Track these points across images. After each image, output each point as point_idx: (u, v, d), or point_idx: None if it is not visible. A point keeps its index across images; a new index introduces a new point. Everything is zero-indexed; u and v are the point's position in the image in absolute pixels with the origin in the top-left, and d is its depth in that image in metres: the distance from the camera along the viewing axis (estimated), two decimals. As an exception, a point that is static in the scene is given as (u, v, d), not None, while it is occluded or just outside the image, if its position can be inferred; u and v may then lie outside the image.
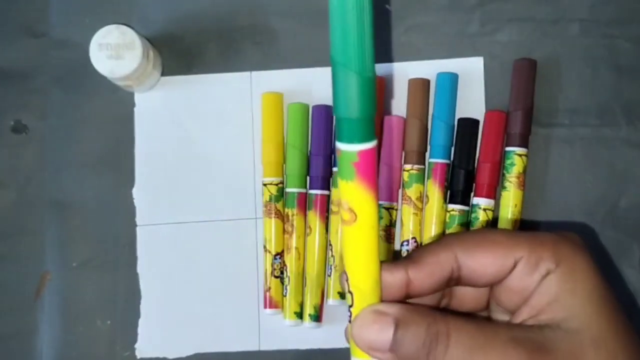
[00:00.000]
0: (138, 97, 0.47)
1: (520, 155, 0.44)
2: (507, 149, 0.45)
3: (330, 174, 0.45)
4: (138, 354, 0.45)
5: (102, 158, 0.47)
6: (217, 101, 0.47)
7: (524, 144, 0.44)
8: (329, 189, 0.45)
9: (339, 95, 0.24)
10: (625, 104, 0.46)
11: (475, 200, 0.45)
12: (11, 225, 0.47)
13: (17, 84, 0.47)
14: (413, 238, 0.44)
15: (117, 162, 0.47)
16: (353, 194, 0.26)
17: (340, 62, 0.24)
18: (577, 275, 0.28)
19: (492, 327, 0.29)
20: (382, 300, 0.28)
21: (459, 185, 0.44)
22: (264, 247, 0.45)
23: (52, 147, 0.47)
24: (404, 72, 0.46)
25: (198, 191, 0.46)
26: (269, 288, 0.45)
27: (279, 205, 0.45)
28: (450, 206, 0.44)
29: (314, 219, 0.45)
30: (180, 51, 0.47)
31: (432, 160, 0.44)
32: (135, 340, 0.46)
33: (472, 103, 0.46)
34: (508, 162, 0.44)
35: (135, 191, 0.47)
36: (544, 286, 0.28)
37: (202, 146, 0.47)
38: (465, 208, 0.44)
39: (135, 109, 0.47)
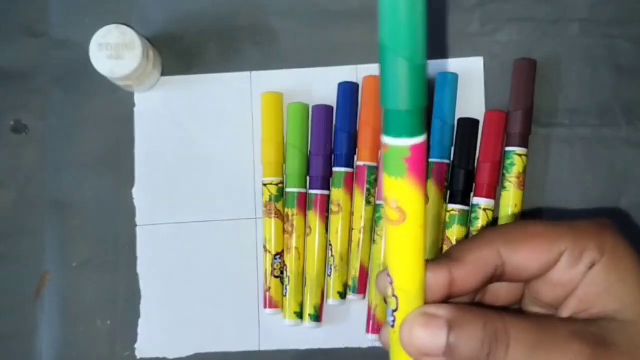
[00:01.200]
0: (138, 97, 0.47)
1: (520, 155, 0.44)
2: (507, 149, 0.45)
3: (330, 174, 0.45)
4: (138, 354, 0.45)
5: (102, 158, 0.47)
6: (217, 101, 0.47)
7: (524, 144, 0.44)
8: (329, 189, 0.45)
9: (388, 85, 0.22)
10: (625, 104, 0.46)
11: (475, 200, 0.45)
12: (11, 225, 0.47)
13: (17, 83, 0.47)
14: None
15: (117, 162, 0.47)
16: (403, 192, 0.24)
17: (390, 48, 0.22)
18: (623, 263, 0.27)
19: (551, 322, 0.27)
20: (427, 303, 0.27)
21: (459, 185, 0.44)
22: (264, 247, 0.45)
23: (52, 147, 0.47)
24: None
25: (198, 191, 0.46)
26: (269, 288, 0.45)
27: (279, 205, 0.45)
28: (451, 206, 0.44)
29: (314, 219, 0.45)
30: (180, 51, 0.47)
31: (431, 160, 0.44)
32: (135, 340, 0.46)
33: (472, 103, 0.46)
34: (508, 162, 0.44)
35: (135, 191, 0.47)
36: (590, 278, 0.27)
37: (202, 146, 0.47)
38: (466, 208, 0.44)
39: (135, 109, 0.47)
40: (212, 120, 0.47)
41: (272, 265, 0.45)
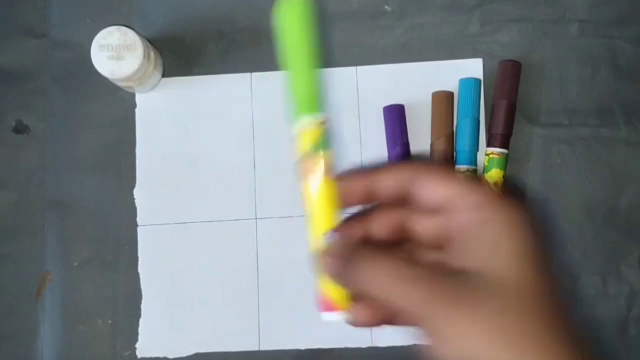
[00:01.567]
0: (139, 98, 0.47)
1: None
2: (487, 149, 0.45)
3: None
4: (139, 354, 0.46)
5: (103, 158, 0.47)
6: (217, 102, 0.47)
7: (504, 145, 0.45)
8: None
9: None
10: (624, 104, 0.46)
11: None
12: (12, 225, 0.47)
13: (19, 84, 0.47)
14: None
15: (118, 162, 0.47)
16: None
17: None
18: (513, 229, 0.28)
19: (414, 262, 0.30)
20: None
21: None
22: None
23: (54, 147, 0.47)
24: (403, 73, 0.46)
25: (199, 191, 0.46)
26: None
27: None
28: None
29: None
30: (181, 52, 0.47)
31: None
32: (135, 340, 0.46)
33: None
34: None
35: (136, 191, 0.47)
36: (480, 231, 0.29)
37: (203, 146, 0.47)
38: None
39: (137, 110, 0.47)
40: (213, 121, 0.47)
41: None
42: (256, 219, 0.46)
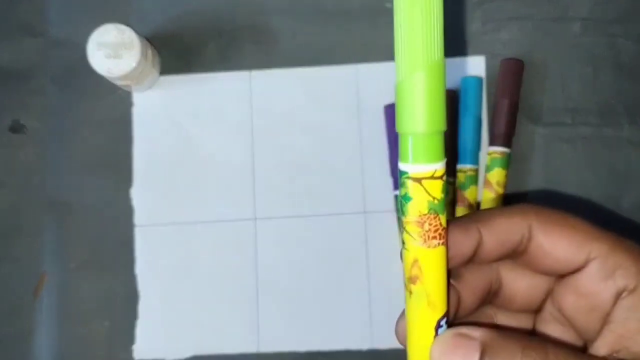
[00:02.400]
0: (137, 97, 0.47)
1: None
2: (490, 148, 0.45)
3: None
4: (136, 356, 0.45)
5: (100, 158, 0.46)
6: (216, 100, 0.47)
7: (507, 143, 0.44)
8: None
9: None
10: (627, 103, 0.45)
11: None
12: (9, 225, 0.46)
13: (16, 83, 0.47)
14: None
15: (115, 162, 0.46)
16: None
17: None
18: None
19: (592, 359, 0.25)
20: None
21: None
22: None
23: (51, 147, 0.47)
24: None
25: (197, 191, 0.46)
26: None
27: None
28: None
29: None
30: (179, 50, 0.47)
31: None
32: (133, 342, 0.45)
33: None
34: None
35: (133, 191, 0.46)
36: (627, 307, 0.24)
37: (201, 146, 0.46)
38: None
39: (134, 109, 0.47)
40: (211, 120, 0.46)
41: None
42: (255, 219, 0.46)
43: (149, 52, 0.44)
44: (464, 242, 0.25)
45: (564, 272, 0.26)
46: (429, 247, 0.24)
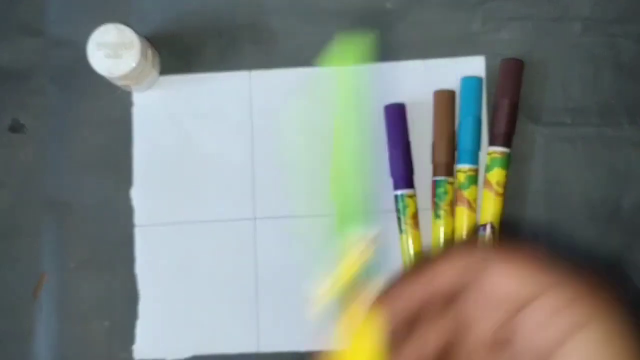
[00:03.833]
0: (136, 97, 0.47)
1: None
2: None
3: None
4: (136, 356, 0.45)
5: (100, 158, 0.47)
6: (216, 100, 0.47)
7: (507, 143, 0.44)
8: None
9: None
10: (627, 103, 0.45)
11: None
12: (8, 225, 0.46)
13: (15, 83, 0.47)
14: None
15: (115, 162, 0.46)
16: None
17: None
18: (609, 342, 0.24)
19: None
20: None
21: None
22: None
23: (50, 147, 0.47)
24: (405, 70, 0.46)
25: (196, 191, 0.46)
26: None
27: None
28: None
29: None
30: (178, 50, 0.47)
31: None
32: (133, 342, 0.45)
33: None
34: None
35: (133, 191, 0.46)
36: (572, 347, 0.25)
37: (201, 146, 0.46)
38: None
39: (134, 109, 0.47)
40: (211, 120, 0.47)
41: None
42: (255, 219, 0.46)
43: (149, 52, 0.44)
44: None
45: (518, 302, 0.26)
46: None
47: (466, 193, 0.44)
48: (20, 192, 0.47)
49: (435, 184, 0.44)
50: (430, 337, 0.28)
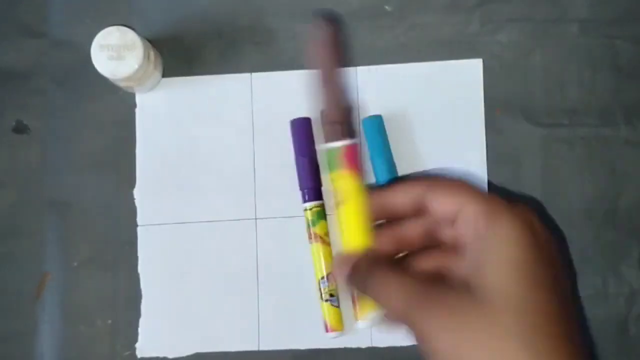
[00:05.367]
0: (139, 98, 0.47)
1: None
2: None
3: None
4: (138, 354, 0.46)
5: (103, 158, 0.47)
6: (217, 102, 0.47)
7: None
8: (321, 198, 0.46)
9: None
10: (624, 104, 0.46)
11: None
12: (12, 225, 0.47)
13: (19, 84, 0.47)
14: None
15: (118, 162, 0.47)
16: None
17: None
18: (510, 242, 0.29)
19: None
20: None
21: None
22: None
23: (54, 148, 0.47)
24: (403, 73, 0.46)
25: (198, 191, 0.46)
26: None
27: (317, 229, 0.45)
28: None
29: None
30: (180, 52, 0.47)
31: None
32: (135, 340, 0.46)
33: (471, 105, 0.46)
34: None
35: (136, 191, 0.47)
36: (479, 242, 0.30)
37: (203, 147, 0.47)
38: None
39: (137, 110, 0.47)
40: (213, 121, 0.47)
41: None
42: (256, 219, 0.46)
43: (151, 53, 0.44)
44: (373, 204, 0.35)
45: (451, 219, 0.33)
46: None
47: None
48: (24, 192, 0.47)
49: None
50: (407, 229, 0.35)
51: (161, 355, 0.46)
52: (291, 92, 0.47)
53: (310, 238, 0.45)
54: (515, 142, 0.46)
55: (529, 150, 0.46)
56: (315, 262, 0.45)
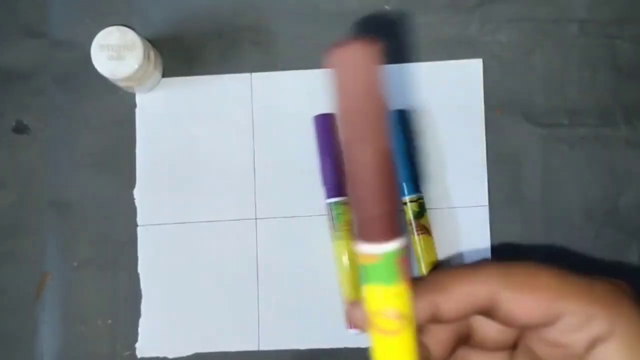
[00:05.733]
0: (139, 98, 0.47)
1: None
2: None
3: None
4: (138, 354, 0.46)
5: (103, 158, 0.47)
6: (217, 102, 0.47)
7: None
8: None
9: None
10: (624, 104, 0.46)
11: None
12: (12, 225, 0.47)
13: (19, 84, 0.47)
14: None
15: (118, 162, 0.47)
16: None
17: None
18: (636, 348, 0.24)
19: None
20: None
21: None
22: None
23: (54, 148, 0.47)
24: (403, 73, 0.46)
25: (199, 191, 0.46)
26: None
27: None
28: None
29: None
30: (180, 52, 0.47)
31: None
32: (135, 340, 0.46)
33: (471, 105, 0.46)
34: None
35: (136, 191, 0.47)
36: (600, 357, 0.24)
37: (203, 147, 0.47)
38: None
39: (137, 110, 0.47)
40: (213, 121, 0.47)
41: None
42: (256, 219, 0.46)
43: (151, 53, 0.44)
44: (416, 311, 0.24)
45: (537, 328, 0.25)
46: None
47: (422, 220, 0.45)
48: (24, 193, 0.47)
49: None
50: (441, 331, 0.27)
51: (161, 355, 0.46)
52: (291, 92, 0.47)
53: (334, 230, 0.45)
54: (515, 142, 0.46)
55: (529, 150, 0.46)
56: (338, 259, 0.45)
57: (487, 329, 0.27)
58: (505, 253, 0.45)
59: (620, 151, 0.46)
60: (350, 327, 0.40)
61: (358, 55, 0.22)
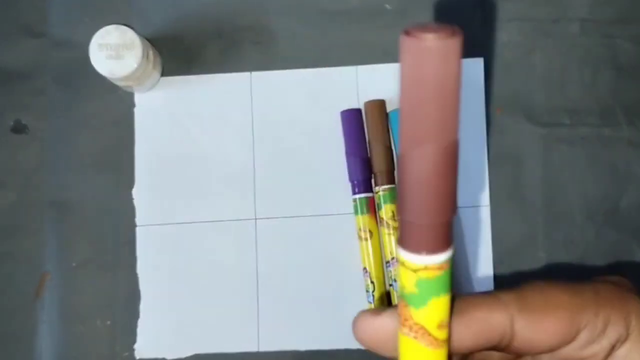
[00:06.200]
0: (138, 97, 0.47)
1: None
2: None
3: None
4: (137, 355, 0.45)
5: (102, 158, 0.47)
6: (217, 101, 0.47)
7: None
8: (372, 191, 0.45)
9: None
10: (625, 103, 0.46)
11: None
12: (11, 225, 0.46)
13: (17, 84, 0.47)
14: (393, 258, 0.44)
15: (117, 162, 0.47)
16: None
17: None
18: None
19: None
20: None
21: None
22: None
23: (52, 147, 0.47)
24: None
25: (198, 191, 0.46)
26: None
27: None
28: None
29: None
30: (180, 51, 0.47)
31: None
32: (134, 341, 0.46)
33: (472, 104, 0.46)
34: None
35: (135, 191, 0.47)
36: (621, 357, 0.24)
37: (202, 146, 0.47)
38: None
39: (136, 109, 0.47)
40: (212, 121, 0.47)
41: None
42: (256, 219, 0.46)
43: (150, 53, 0.44)
44: None
45: (555, 349, 0.25)
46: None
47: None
48: (23, 192, 0.47)
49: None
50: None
51: (160, 356, 0.45)
52: (291, 92, 0.46)
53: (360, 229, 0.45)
54: (516, 142, 0.46)
55: (529, 150, 0.45)
56: (362, 253, 0.45)
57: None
58: (505, 253, 0.45)
59: (621, 151, 0.45)
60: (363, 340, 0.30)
61: (440, 46, 0.19)
